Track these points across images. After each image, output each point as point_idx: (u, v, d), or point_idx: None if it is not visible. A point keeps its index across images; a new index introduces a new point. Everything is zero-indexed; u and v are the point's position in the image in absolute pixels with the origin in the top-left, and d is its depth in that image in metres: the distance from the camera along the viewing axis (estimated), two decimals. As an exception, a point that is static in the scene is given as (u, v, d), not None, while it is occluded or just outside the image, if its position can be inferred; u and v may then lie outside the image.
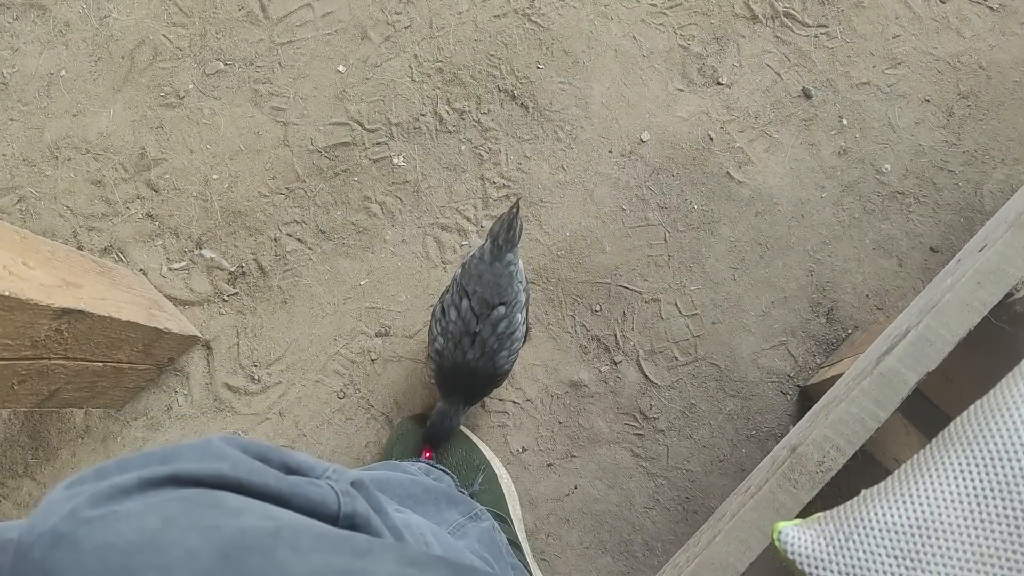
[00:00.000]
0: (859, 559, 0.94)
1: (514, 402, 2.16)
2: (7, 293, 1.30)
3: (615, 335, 2.17)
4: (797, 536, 1.03)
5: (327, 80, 2.36)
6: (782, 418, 2.11)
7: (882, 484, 1.00)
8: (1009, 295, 1.37)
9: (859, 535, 0.96)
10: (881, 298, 2.17)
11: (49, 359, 1.56)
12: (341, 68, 2.36)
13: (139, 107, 2.35)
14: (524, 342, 1.88)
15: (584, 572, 2.06)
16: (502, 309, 1.73)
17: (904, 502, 0.92)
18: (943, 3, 2.34)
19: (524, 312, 1.81)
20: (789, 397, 2.12)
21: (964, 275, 1.41)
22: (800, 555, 0.99)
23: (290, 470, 0.88)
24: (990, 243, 1.48)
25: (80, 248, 2.25)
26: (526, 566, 1.84)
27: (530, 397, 2.16)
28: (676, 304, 2.19)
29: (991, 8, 2.32)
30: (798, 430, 1.58)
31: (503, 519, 1.92)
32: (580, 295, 2.21)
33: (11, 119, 2.35)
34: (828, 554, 0.97)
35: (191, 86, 2.36)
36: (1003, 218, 1.62)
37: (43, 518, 0.68)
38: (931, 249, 2.19)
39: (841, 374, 1.92)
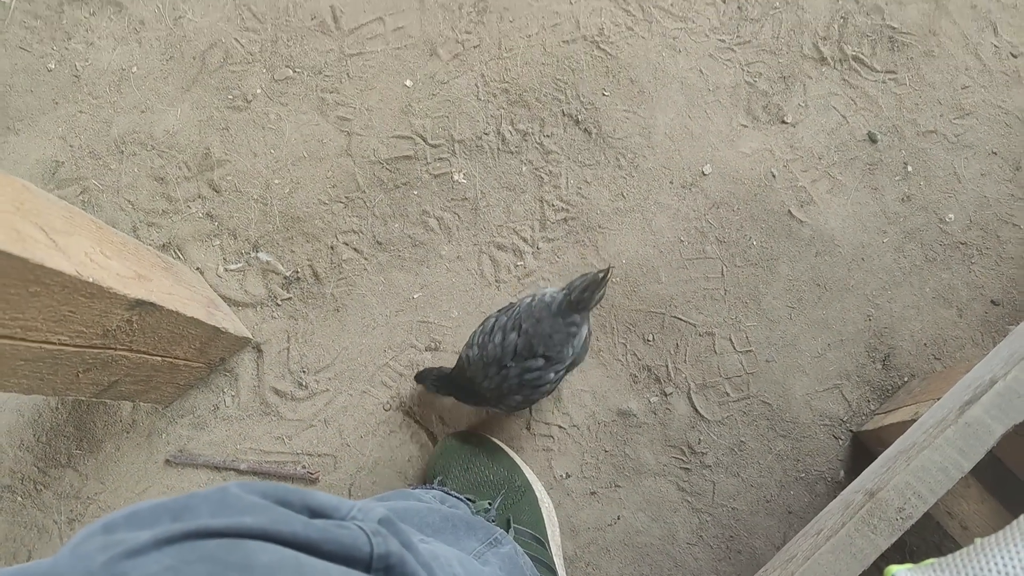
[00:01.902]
0: (962, 610, 0.91)
1: (560, 427, 2.14)
2: (91, 279, 1.31)
3: (667, 366, 2.15)
4: (901, 581, 1.00)
5: (393, 93, 2.37)
6: (833, 462, 2.08)
7: (1000, 533, 0.98)
8: (1097, 352, 1.35)
9: (964, 585, 0.94)
10: (939, 347, 2.14)
11: (116, 349, 1.56)
12: (408, 82, 2.38)
13: (206, 108, 2.38)
14: (545, 396, 1.84)
15: (622, 605, 2.03)
16: (540, 361, 1.69)
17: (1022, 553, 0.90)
18: (1015, 57, 2.33)
19: (562, 373, 1.77)
20: (841, 442, 2.09)
21: (1052, 328, 1.38)
22: (902, 601, 0.97)
23: (313, 512, 0.84)
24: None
25: (139, 242, 2.27)
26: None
27: (577, 423, 2.14)
28: (730, 339, 2.17)
29: (1063, 65, 2.32)
30: (872, 475, 1.55)
31: (540, 542, 1.89)
32: (633, 323, 2.19)
33: (80, 111, 2.37)
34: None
35: (259, 91, 2.38)
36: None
37: None
38: (992, 302, 2.16)
39: (899, 422, 1.89)
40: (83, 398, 1.68)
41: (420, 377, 2.00)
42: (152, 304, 1.53)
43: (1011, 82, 2.31)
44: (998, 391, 1.31)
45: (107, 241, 1.56)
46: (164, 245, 2.27)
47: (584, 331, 1.74)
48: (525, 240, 2.26)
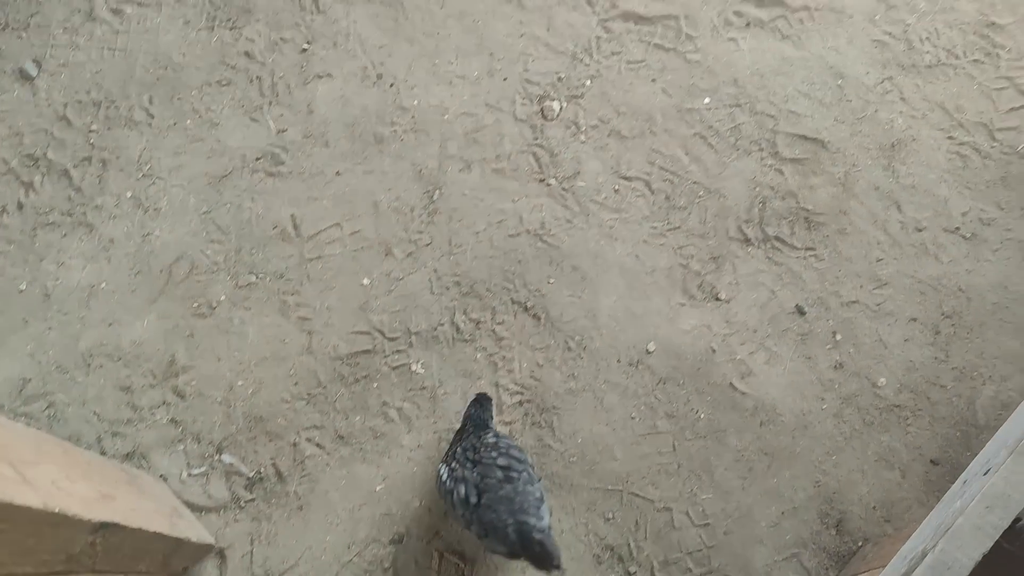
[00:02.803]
0: None
1: (528, 615, 2.13)
2: (57, 510, 1.35)
3: (628, 544, 2.19)
4: None
5: (352, 292, 2.51)
6: (799, 634, 2.09)
7: None
8: (1018, 519, 1.44)
9: None
10: (887, 510, 2.21)
11: (79, 573, 1.57)
12: (365, 281, 2.53)
13: (172, 317, 2.49)
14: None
15: None
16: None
17: None
18: (920, 231, 2.56)
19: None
20: (805, 612, 2.11)
21: (973, 499, 1.48)
22: None
23: None
24: (993, 468, 1.57)
25: (103, 454, 2.30)
26: None
27: (544, 609, 2.13)
28: (688, 513, 2.23)
29: (964, 237, 2.54)
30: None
31: None
32: (593, 502, 2.24)
33: (49, 328, 2.47)
34: None
35: (223, 297, 2.51)
36: (1003, 441, 1.72)
37: None
38: (931, 462, 2.26)
39: (856, 589, 1.93)
40: (42, 624, 1.66)
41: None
42: (116, 525, 1.56)
43: (919, 253, 2.53)
44: (929, 563, 1.39)
45: (73, 464, 1.62)
46: (128, 454, 2.31)
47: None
48: (483, 426, 2.34)
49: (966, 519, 1.43)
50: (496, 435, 2.01)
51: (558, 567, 1.76)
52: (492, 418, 2.15)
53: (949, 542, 1.42)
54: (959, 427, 2.29)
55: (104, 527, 1.53)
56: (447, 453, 2.04)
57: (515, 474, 1.88)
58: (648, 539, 2.20)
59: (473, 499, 1.87)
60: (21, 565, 1.39)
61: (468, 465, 1.93)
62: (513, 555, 1.83)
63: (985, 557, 1.38)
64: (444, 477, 1.96)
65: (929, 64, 2.79)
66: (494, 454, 1.92)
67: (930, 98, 2.74)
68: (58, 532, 1.40)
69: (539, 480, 1.94)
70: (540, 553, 1.77)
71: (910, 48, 2.82)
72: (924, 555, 1.45)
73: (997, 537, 1.41)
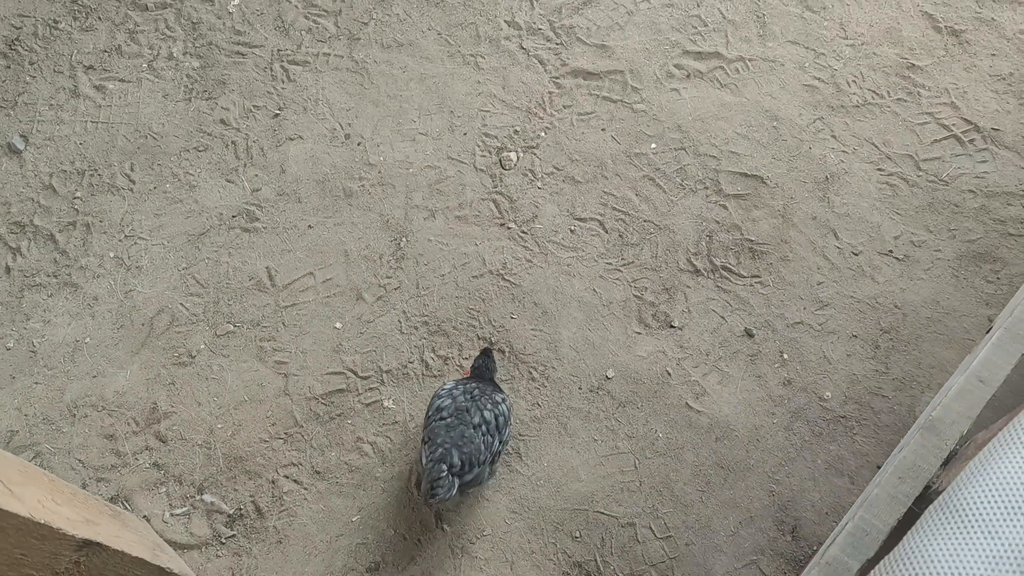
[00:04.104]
0: None
1: (502, 634, 2.21)
2: (42, 521, 1.46)
3: (595, 560, 2.29)
4: None
5: (325, 336, 2.65)
6: (762, 637, 2.17)
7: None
8: (928, 487, 1.58)
9: None
10: (839, 514, 2.33)
11: (64, 594, 1.66)
12: (338, 325, 2.67)
13: (154, 367, 2.61)
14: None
15: None
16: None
17: None
18: (856, 255, 2.74)
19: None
20: (766, 615, 2.20)
21: (886, 472, 1.62)
22: None
23: None
24: (906, 444, 1.71)
25: (88, 497, 2.39)
26: None
27: (517, 628, 2.22)
28: (651, 527, 2.33)
29: (897, 259, 2.72)
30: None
31: None
32: (560, 522, 2.35)
33: (36, 383, 2.58)
34: None
35: (203, 346, 2.64)
36: (919, 424, 1.86)
37: None
38: (878, 467, 2.38)
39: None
40: (29, 650, 1.74)
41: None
42: (99, 545, 1.66)
43: (857, 275, 2.70)
44: (849, 531, 1.52)
45: (58, 491, 1.72)
46: (112, 498, 2.40)
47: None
48: (453, 456, 2.45)
49: (881, 489, 1.55)
50: (506, 401, 2.30)
51: (427, 499, 2.07)
52: (496, 370, 2.47)
53: (867, 511, 1.54)
54: (902, 433, 2.43)
55: (88, 545, 1.63)
56: (459, 380, 2.35)
57: (484, 428, 2.16)
58: (614, 554, 2.29)
59: (444, 415, 2.19)
60: (10, 578, 1.48)
61: (465, 395, 2.23)
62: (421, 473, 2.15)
63: (899, 522, 1.51)
64: (443, 389, 2.29)
65: (856, 104, 3.02)
66: (489, 406, 2.22)
67: (859, 134, 2.96)
68: (44, 546, 1.50)
69: (493, 459, 2.20)
70: (421, 477, 2.11)
71: (838, 90, 3.05)
72: (844, 526, 1.58)
73: (910, 504, 1.53)
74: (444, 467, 2.06)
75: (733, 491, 2.38)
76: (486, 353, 2.41)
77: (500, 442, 2.20)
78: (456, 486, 2.08)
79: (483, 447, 2.14)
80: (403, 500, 2.39)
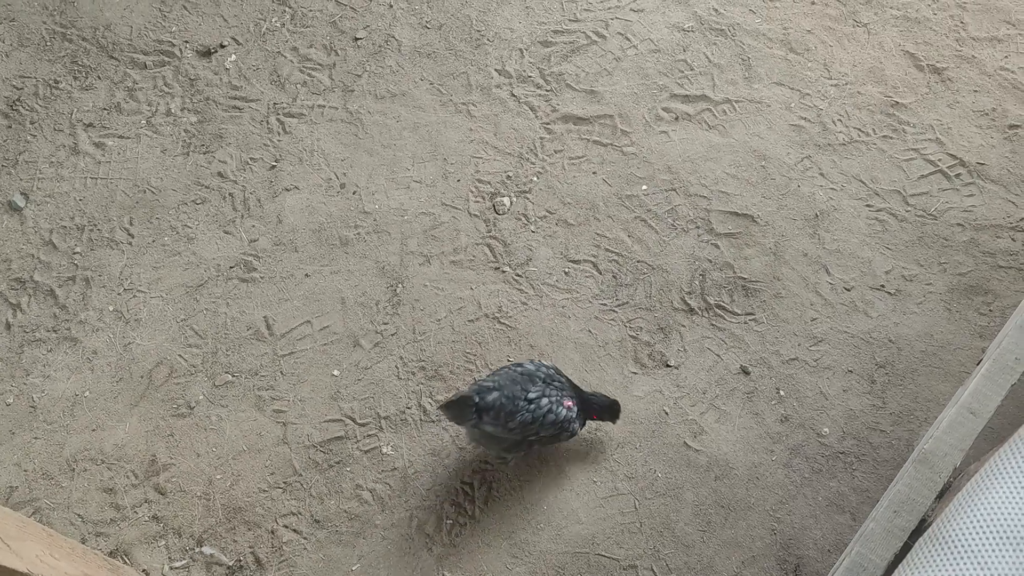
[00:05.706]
0: None
1: None
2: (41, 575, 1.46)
3: (598, 605, 2.27)
4: None
5: (323, 383, 2.66)
6: None
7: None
8: (923, 520, 1.58)
9: None
10: (841, 551, 2.31)
11: (61, 651, 1.65)
12: (336, 372, 2.68)
13: (153, 419, 2.62)
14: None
15: None
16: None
17: None
18: (848, 291, 2.76)
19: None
20: (771, 656, 2.17)
21: (882, 506, 1.62)
22: None
23: None
24: (900, 478, 1.72)
25: (87, 552, 2.38)
26: None
27: (520, 676, 2.19)
28: (652, 569, 2.32)
29: (889, 293, 2.75)
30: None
31: None
32: (561, 566, 2.33)
33: (35, 437, 2.59)
34: None
35: (201, 397, 2.65)
36: (912, 457, 1.87)
37: None
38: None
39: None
40: None
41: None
42: (97, 600, 1.66)
43: (850, 311, 2.72)
44: (846, 567, 1.52)
45: (57, 546, 1.72)
46: (112, 552, 2.39)
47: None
48: (454, 504, 2.45)
49: (877, 524, 1.56)
50: (568, 412, 2.31)
51: (444, 407, 2.20)
52: (594, 400, 2.43)
53: (864, 546, 1.54)
54: (900, 468, 2.42)
55: (86, 600, 1.62)
56: (561, 372, 2.41)
57: (532, 407, 2.23)
58: (616, 598, 2.28)
59: (520, 370, 2.32)
60: (7, 635, 1.48)
61: (547, 377, 2.31)
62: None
63: (896, 556, 1.51)
64: (540, 361, 2.39)
65: (843, 142, 3.07)
66: (554, 397, 2.27)
67: (846, 172, 3.00)
68: (43, 602, 1.50)
69: (520, 441, 2.29)
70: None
71: (824, 129, 3.11)
72: (842, 561, 1.57)
73: (905, 539, 1.53)
74: (476, 397, 2.19)
75: (734, 530, 2.37)
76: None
77: (536, 432, 2.28)
78: (471, 418, 2.20)
79: (519, 418, 2.22)
80: (403, 548, 2.38)
